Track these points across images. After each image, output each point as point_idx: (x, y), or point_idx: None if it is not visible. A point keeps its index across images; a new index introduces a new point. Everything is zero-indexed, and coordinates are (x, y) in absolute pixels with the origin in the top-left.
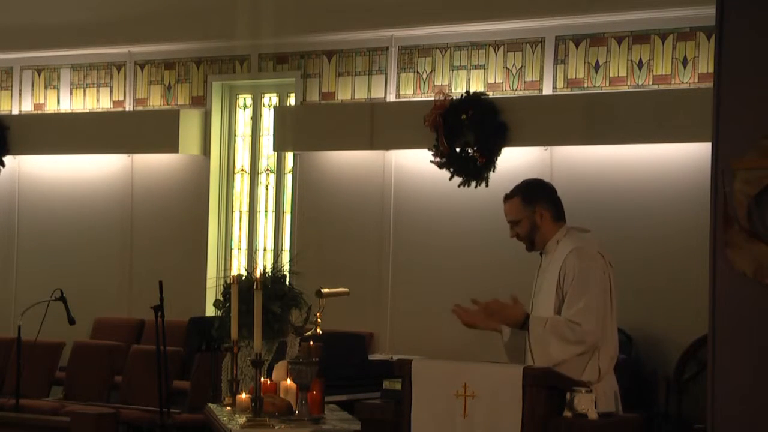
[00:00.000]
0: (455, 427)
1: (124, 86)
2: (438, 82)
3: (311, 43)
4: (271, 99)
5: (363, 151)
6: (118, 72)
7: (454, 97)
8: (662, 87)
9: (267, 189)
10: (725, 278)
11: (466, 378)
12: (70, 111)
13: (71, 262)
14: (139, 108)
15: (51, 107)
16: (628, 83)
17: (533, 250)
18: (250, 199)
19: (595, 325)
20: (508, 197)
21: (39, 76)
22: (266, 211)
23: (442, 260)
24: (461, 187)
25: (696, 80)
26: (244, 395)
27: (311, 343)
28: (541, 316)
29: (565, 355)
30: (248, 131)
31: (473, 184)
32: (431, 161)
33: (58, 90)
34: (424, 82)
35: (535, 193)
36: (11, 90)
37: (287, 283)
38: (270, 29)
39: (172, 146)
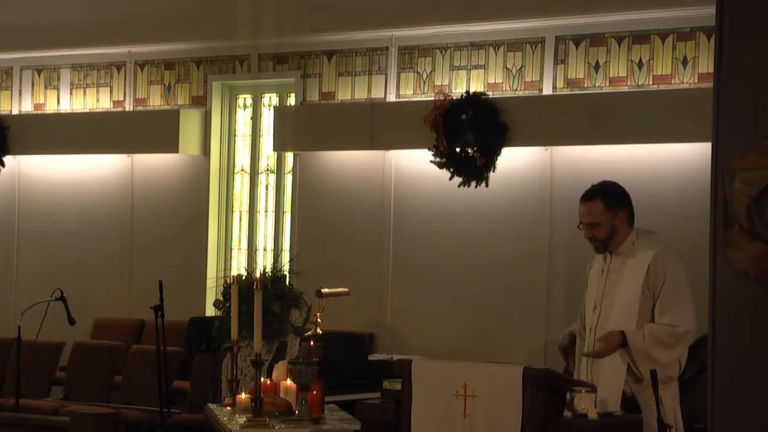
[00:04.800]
0: (455, 427)
1: (124, 86)
2: (438, 82)
3: (311, 43)
4: (271, 99)
5: (363, 151)
6: (118, 72)
7: (454, 97)
8: (662, 87)
9: (267, 189)
10: (725, 278)
11: (466, 378)
12: (70, 111)
13: (71, 262)
14: (139, 108)
15: (51, 107)
16: (628, 83)
17: (604, 251)
18: (250, 199)
19: (692, 324)
20: (588, 199)
21: (39, 76)
22: (266, 211)
23: (442, 260)
24: (461, 187)
25: (696, 80)
26: (244, 395)
27: (311, 343)
28: (635, 330)
29: (672, 358)
30: (248, 131)
31: (473, 184)
32: (431, 161)
33: (58, 90)
34: (424, 82)
35: (617, 199)
36: (11, 90)
37: (287, 283)
38: (270, 29)
39: (172, 146)
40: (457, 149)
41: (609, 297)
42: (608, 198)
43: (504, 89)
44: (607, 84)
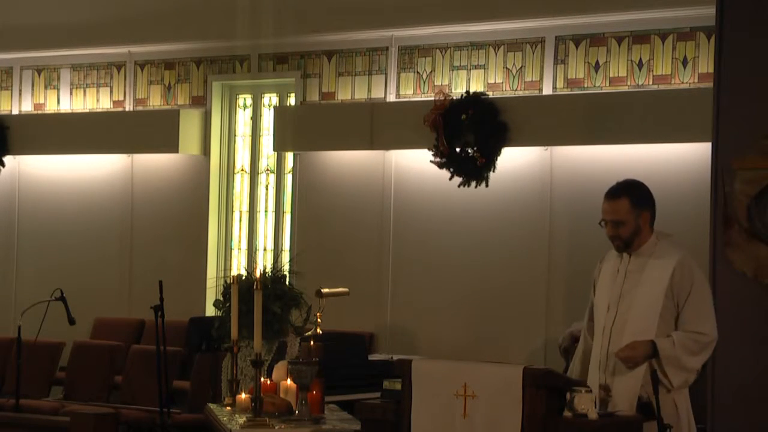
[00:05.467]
0: (455, 427)
1: (124, 86)
2: (438, 82)
3: (311, 43)
4: (271, 99)
5: (363, 151)
6: (118, 72)
7: (454, 97)
8: (662, 87)
9: (267, 189)
10: (725, 278)
11: (466, 378)
12: (70, 111)
13: (71, 262)
14: (139, 108)
15: (51, 107)
16: (628, 83)
17: (626, 251)
18: (250, 199)
19: (716, 333)
20: (613, 196)
21: (39, 76)
22: (266, 211)
23: (442, 260)
24: (461, 187)
25: (696, 80)
26: (244, 395)
27: (311, 343)
28: (663, 338)
29: (699, 365)
30: (248, 131)
31: (473, 184)
32: (431, 161)
33: (58, 90)
34: (424, 82)
35: (643, 198)
36: (11, 90)
37: (287, 283)
38: (270, 29)
39: (172, 146)
40: (457, 149)
41: (627, 298)
42: (634, 197)
43: (504, 89)
44: (607, 84)
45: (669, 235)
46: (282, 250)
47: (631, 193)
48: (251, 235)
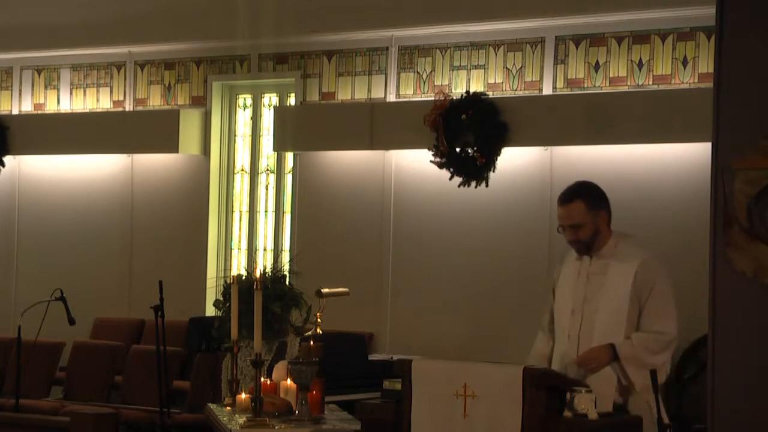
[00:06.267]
0: (455, 427)
1: (124, 86)
2: (438, 82)
3: (311, 43)
4: (271, 99)
5: (363, 151)
6: (118, 72)
7: (454, 97)
8: (662, 87)
9: (267, 189)
10: (725, 278)
11: (466, 378)
12: (70, 111)
13: (71, 262)
14: (139, 108)
15: (51, 107)
16: (628, 83)
17: (587, 253)
18: (250, 199)
19: (676, 331)
20: (567, 200)
21: (39, 76)
22: (266, 211)
23: (442, 260)
24: (461, 187)
25: (696, 80)
26: (244, 395)
27: (311, 343)
28: (622, 341)
29: (660, 362)
30: (248, 131)
31: (473, 184)
32: (431, 161)
33: (58, 90)
34: (424, 82)
35: (598, 198)
36: (11, 90)
37: (287, 283)
38: (270, 29)
39: (172, 146)
40: (457, 149)
41: (592, 301)
42: (588, 198)
43: (504, 89)
44: (607, 84)
45: (629, 235)
46: (282, 250)
47: (585, 195)
48: (251, 235)
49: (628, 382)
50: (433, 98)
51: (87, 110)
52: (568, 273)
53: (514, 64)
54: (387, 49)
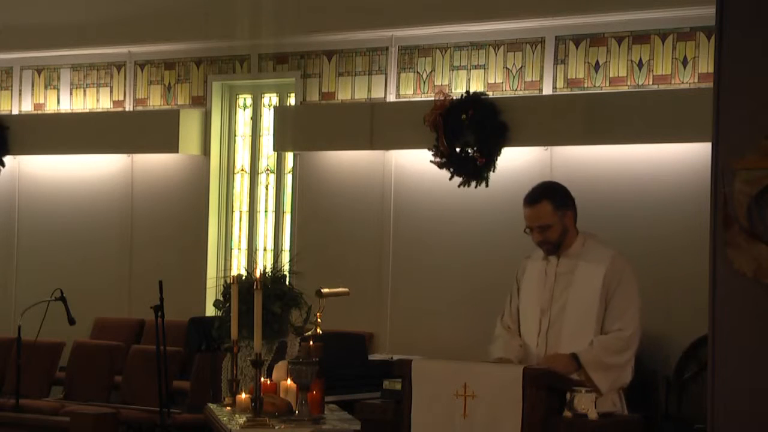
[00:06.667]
0: (455, 427)
1: (124, 86)
2: (438, 82)
3: (311, 43)
4: (271, 99)
5: (363, 151)
6: (118, 72)
7: (454, 97)
8: (662, 87)
9: (267, 189)
10: (725, 278)
11: (466, 378)
12: (70, 111)
13: (71, 262)
14: (139, 108)
15: (51, 107)
16: (628, 83)
17: (555, 254)
18: (250, 199)
19: (635, 326)
20: (534, 201)
21: (39, 76)
22: (266, 211)
23: (442, 260)
24: (461, 187)
25: (696, 80)
26: (244, 395)
27: (311, 343)
28: (583, 348)
29: (624, 360)
30: (248, 131)
31: (473, 184)
32: (431, 161)
33: (58, 90)
34: (424, 82)
35: (564, 198)
36: (11, 90)
37: (287, 283)
38: (270, 29)
39: (172, 146)
40: (457, 149)
41: (559, 301)
42: (555, 198)
43: (504, 89)
44: (607, 84)
45: (595, 234)
46: (282, 250)
47: (551, 196)
48: (251, 235)
49: (594, 388)
50: (433, 98)
51: (87, 110)
52: (534, 271)
53: (514, 64)
54: (387, 49)
